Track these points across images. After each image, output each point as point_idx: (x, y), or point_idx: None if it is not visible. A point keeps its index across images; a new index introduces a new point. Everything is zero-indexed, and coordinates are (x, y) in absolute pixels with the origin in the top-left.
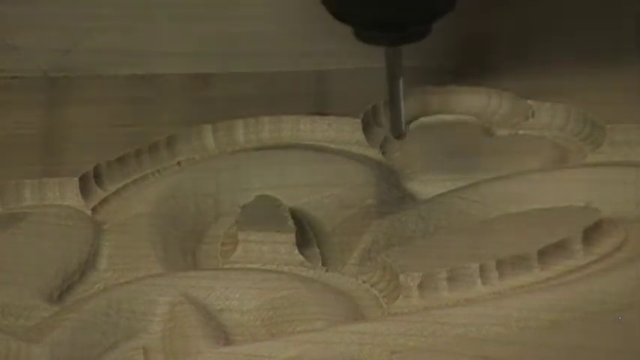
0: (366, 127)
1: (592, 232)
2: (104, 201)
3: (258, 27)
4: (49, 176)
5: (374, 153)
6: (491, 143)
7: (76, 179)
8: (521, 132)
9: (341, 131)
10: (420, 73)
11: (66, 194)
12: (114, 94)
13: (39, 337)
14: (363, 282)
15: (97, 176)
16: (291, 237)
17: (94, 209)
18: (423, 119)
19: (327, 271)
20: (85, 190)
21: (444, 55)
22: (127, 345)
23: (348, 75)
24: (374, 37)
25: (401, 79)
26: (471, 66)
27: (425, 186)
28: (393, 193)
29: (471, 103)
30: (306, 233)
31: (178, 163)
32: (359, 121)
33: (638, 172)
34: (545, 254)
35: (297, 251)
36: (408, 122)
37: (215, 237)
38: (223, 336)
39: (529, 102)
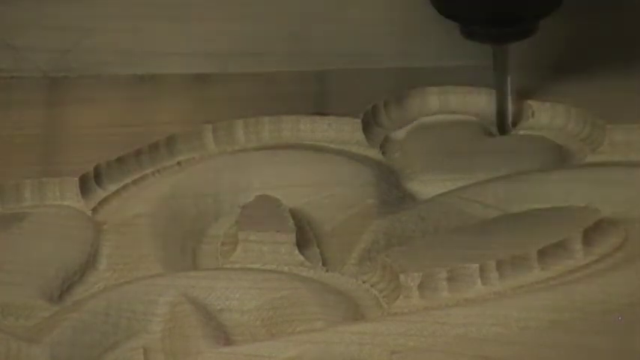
0: (366, 127)
1: (592, 232)
2: (104, 201)
3: (258, 27)
4: (49, 176)
5: (374, 153)
6: (491, 143)
7: (76, 179)
8: (521, 132)
9: (341, 131)
10: (421, 73)
11: (66, 194)
12: (114, 94)
13: (39, 337)
14: (363, 282)
15: (97, 176)
16: (291, 237)
17: (94, 209)
18: (423, 119)
19: (327, 271)
20: (85, 190)
21: (445, 55)
22: (127, 345)
23: (348, 75)
24: (481, 35)
25: (509, 76)
26: (471, 66)
27: (425, 186)
28: (393, 193)
29: (471, 103)
30: (306, 233)
31: (178, 163)
32: (359, 121)
33: (638, 172)
34: (545, 254)
35: (297, 251)
36: (409, 122)
37: (215, 237)
38: (223, 336)
39: (529, 102)
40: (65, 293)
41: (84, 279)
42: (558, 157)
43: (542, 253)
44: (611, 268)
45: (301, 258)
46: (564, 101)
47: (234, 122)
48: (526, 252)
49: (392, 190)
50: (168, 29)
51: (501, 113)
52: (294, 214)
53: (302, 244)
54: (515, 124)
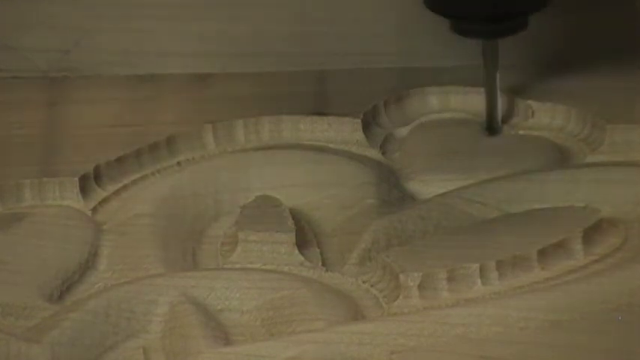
0: (366, 127)
1: (592, 232)
2: (104, 201)
3: (258, 27)
4: (49, 176)
5: (374, 153)
6: (492, 143)
7: (76, 179)
8: (521, 132)
9: (341, 131)
10: (421, 73)
11: (66, 194)
12: (114, 94)
13: (39, 337)
14: (363, 282)
15: (97, 176)
16: (291, 237)
17: (94, 209)
18: (423, 119)
19: (327, 271)
20: (85, 190)
21: (445, 55)
22: (126, 345)
23: (348, 75)
24: (471, 31)
25: (497, 73)
26: (471, 66)
27: (425, 186)
28: (393, 193)
29: (471, 103)
30: (306, 233)
31: (178, 163)
32: (359, 121)
33: (638, 172)
34: (545, 254)
35: (297, 251)
36: (409, 122)
37: (215, 237)
38: (223, 336)
39: (529, 102)
40: (65, 293)
41: (84, 279)
42: (558, 157)
43: (543, 253)
44: (611, 268)
45: (301, 258)
46: (564, 101)
47: (234, 122)
48: (526, 252)
49: (392, 190)
50: (169, 29)
51: (491, 111)
52: (294, 214)
53: (302, 244)
54: (505, 121)
